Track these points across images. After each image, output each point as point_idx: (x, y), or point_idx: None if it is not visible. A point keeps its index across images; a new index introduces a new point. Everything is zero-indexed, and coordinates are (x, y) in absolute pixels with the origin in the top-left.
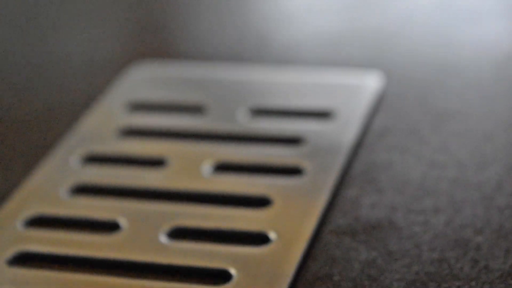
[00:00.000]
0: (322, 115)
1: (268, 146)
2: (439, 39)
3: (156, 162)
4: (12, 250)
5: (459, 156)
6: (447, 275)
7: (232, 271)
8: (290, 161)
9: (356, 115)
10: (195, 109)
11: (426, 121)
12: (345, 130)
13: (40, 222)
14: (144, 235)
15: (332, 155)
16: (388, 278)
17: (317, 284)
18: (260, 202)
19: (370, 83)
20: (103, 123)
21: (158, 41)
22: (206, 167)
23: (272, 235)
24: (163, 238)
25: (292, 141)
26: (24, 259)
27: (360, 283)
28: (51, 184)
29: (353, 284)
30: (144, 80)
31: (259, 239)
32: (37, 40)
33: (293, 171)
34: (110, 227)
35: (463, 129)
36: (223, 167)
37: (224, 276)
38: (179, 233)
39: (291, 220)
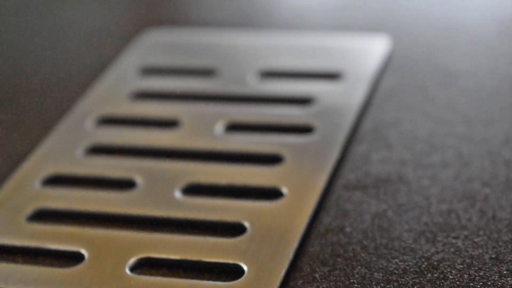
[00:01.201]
0: (331, 76)
1: (278, 106)
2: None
3: (169, 123)
4: (31, 208)
5: (466, 113)
6: (456, 225)
7: (246, 224)
8: (301, 120)
9: (364, 76)
10: (206, 73)
11: (434, 80)
12: (354, 90)
13: (57, 181)
14: (160, 192)
15: (341, 113)
16: (398, 229)
17: (329, 236)
18: (272, 159)
19: (378, 46)
20: (116, 87)
21: (168, 8)
22: (219, 127)
23: (284, 190)
24: (178, 194)
25: (302, 101)
26: (43, 216)
27: (371, 234)
28: (67, 145)
29: (364, 235)
30: (155, 46)
31: (272, 194)
32: (49, 8)
33: (303, 129)
34: (126, 184)
35: (470, 87)
36: (235, 127)
37: (239, 229)
38: (193, 190)
39: (302, 176)
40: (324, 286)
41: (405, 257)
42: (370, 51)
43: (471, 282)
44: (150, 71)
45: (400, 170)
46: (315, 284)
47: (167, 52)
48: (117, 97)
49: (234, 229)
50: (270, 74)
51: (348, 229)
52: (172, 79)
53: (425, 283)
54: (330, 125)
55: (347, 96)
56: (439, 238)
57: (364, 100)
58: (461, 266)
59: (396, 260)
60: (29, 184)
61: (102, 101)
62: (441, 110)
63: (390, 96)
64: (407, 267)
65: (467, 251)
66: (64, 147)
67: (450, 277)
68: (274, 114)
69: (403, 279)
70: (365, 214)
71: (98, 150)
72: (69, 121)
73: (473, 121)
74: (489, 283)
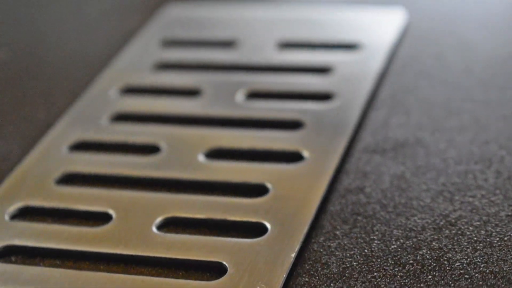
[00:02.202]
0: (349, 47)
1: (298, 76)
2: None
3: (191, 92)
4: (59, 172)
5: (483, 79)
6: (472, 185)
7: (269, 185)
8: (320, 88)
9: (382, 46)
10: (226, 44)
11: (450, 48)
12: (372, 59)
13: (83, 146)
14: (184, 156)
15: (360, 81)
16: (416, 190)
17: (349, 196)
18: (293, 125)
19: (395, 17)
20: (139, 58)
21: None
22: (240, 96)
23: (305, 153)
24: (202, 158)
25: (321, 70)
26: (71, 179)
27: (390, 194)
28: (92, 113)
29: (383, 195)
30: (177, 19)
31: (293, 157)
32: None
33: (323, 96)
34: (150, 150)
35: (486, 54)
36: (256, 95)
37: (261, 190)
38: (216, 154)
39: (323, 140)
40: (345, 242)
41: (423, 215)
42: (387, 22)
43: (488, 238)
44: (172, 43)
45: (418, 134)
46: (336, 241)
47: (188, 25)
48: (140, 68)
49: (257, 190)
50: (289, 45)
51: (367, 190)
52: (193, 50)
53: (443, 239)
54: (349, 92)
55: (365, 65)
56: (456, 198)
57: (382, 68)
58: (478, 223)
59: (415, 218)
60: (56, 150)
61: (126, 72)
62: (458, 76)
63: (408, 64)
64: (426, 224)
65: (483, 209)
66: (89, 115)
67: (468, 233)
68: (293, 83)
69: (421, 236)
70: (384, 175)
71: (122, 117)
72: (94, 91)
73: (489, 86)
74: (505, 238)
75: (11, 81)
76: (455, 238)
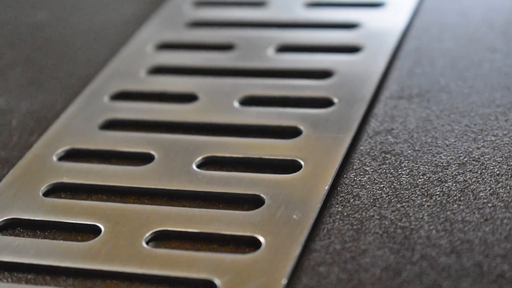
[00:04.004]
0: (375, 5)
1: (327, 31)
2: None
3: (225, 47)
4: (102, 118)
5: (504, 31)
6: (494, 126)
7: (301, 127)
8: (349, 42)
9: (407, 2)
10: (258, 4)
11: (473, 5)
12: (397, 15)
13: (124, 96)
14: (220, 103)
15: (386, 35)
16: (441, 130)
17: (378, 137)
18: (323, 74)
19: None
20: (174, 16)
21: None
22: (271, 50)
23: (335, 100)
24: (237, 105)
25: (349, 26)
26: (113, 125)
27: (416, 135)
28: (130, 66)
29: (410, 135)
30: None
31: (324, 103)
32: None
33: (352, 49)
34: (188, 98)
35: (508, 10)
36: (286, 50)
37: (294, 132)
38: (250, 101)
39: (352, 87)
40: (375, 177)
41: (448, 152)
42: None
43: (510, 171)
44: (205, 3)
45: (441, 82)
46: (366, 176)
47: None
48: (174, 26)
49: (291, 132)
50: (318, 4)
51: (395, 131)
52: (225, 9)
53: (467, 173)
54: (376, 45)
55: (391, 20)
56: (480, 137)
57: (406, 23)
58: (500, 159)
59: (440, 155)
60: (98, 99)
61: (161, 29)
62: (480, 29)
63: (431, 20)
64: (451, 161)
65: (505, 147)
66: (128, 68)
67: (490, 167)
68: (323, 37)
69: (447, 170)
70: (410, 118)
71: (159, 70)
72: (132, 47)
73: (509, 39)
74: None
75: (52, 39)
76: (479, 172)
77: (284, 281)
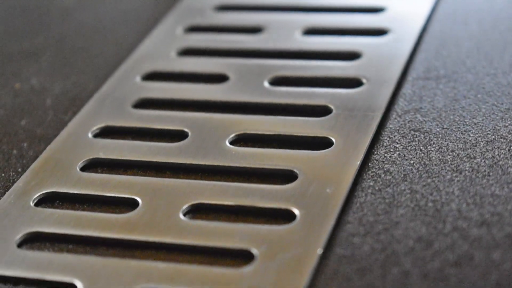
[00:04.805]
0: None
1: (354, 15)
2: None
3: (253, 30)
4: (135, 97)
5: None
6: None
7: (331, 106)
8: (376, 25)
9: None
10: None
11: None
12: (423, 0)
13: (155, 76)
14: (250, 83)
15: (413, 19)
16: (469, 109)
17: (407, 115)
18: (351, 56)
19: None
20: (202, 0)
21: None
22: (298, 33)
23: (364, 80)
24: (267, 85)
25: (376, 10)
26: (145, 104)
27: (445, 114)
28: (161, 47)
29: (438, 114)
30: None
31: (353, 83)
32: None
33: (379, 32)
34: (219, 79)
35: None
36: (315, 32)
37: (324, 111)
38: (280, 81)
39: (379, 68)
40: (405, 153)
41: (476, 130)
42: None
43: None
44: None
45: (468, 63)
46: (396, 153)
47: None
48: (203, 10)
49: (321, 111)
50: None
51: (423, 110)
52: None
53: (495, 149)
54: (403, 28)
55: (417, 5)
56: (506, 116)
57: (432, 7)
58: None
59: (468, 133)
60: (131, 79)
61: (190, 13)
62: (505, 15)
63: (457, 5)
64: (479, 138)
65: None
66: (160, 49)
67: None
68: (350, 21)
69: (475, 147)
70: (438, 98)
71: (189, 52)
72: (162, 30)
73: None
74: None
75: (82, 22)
76: (507, 149)
77: (319, 251)
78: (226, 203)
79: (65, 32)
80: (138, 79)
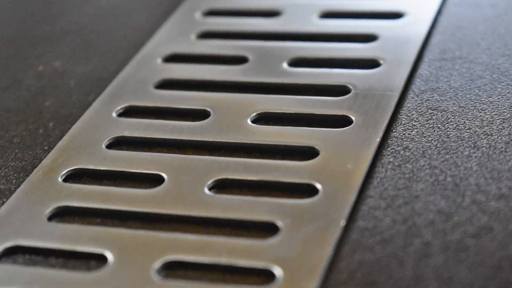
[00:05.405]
0: None
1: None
2: None
3: (271, 13)
4: (157, 78)
5: None
6: None
7: (350, 86)
8: (392, 8)
9: None
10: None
11: None
12: None
13: (176, 58)
14: (269, 65)
15: (428, 2)
16: (484, 89)
17: (424, 95)
18: (368, 38)
19: None
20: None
21: None
22: (315, 16)
23: (381, 61)
24: (286, 66)
25: None
26: (167, 85)
27: (461, 93)
28: (181, 31)
29: (455, 93)
30: None
31: (371, 64)
32: None
33: (394, 15)
34: (238, 60)
35: None
36: (331, 16)
37: (343, 91)
38: (299, 63)
39: (396, 50)
40: (423, 131)
41: (492, 108)
42: None
43: None
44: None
45: (482, 44)
46: (415, 130)
47: None
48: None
49: (340, 91)
50: None
51: (440, 90)
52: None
53: (511, 127)
54: (418, 10)
55: None
56: None
57: None
58: None
59: (485, 111)
60: (152, 61)
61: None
62: None
63: None
64: (495, 116)
65: None
66: (179, 33)
67: None
68: (366, 4)
69: (492, 125)
70: (455, 78)
71: (208, 35)
72: (180, 13)
73: None
74: None
75: (102, 7)
76: None
77: (342, 222)
78: (250, 178)
79: (85, 17)
80: (159, 61)
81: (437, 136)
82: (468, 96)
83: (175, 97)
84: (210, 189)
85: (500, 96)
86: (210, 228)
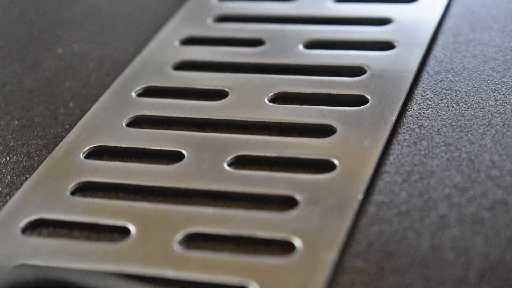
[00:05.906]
0: None
1: None
2: None
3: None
4: (175, 60)
5: None
6: None
7: (365, 67)
8: None
9: None
10: None
11: None
12: None
13: (193, 41)
14: (285, 47)
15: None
16: (498, 69)
17: (439, 76)
18: (381, 22)
19: None
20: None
21: None
22: (328, 1)
23: (395, 43)
24: (301, 49)
25: None
26: (186, 66)
27: (475, 74)
28: (198, 15)
29: (468, 74)
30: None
31: (385, 47)
32: None
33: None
34: (255, 43)
35: None
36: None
37: (359, 72)
38: (314, 45)
39: (410, 33)
40: (438, 110)
41: (506, 88)
42: None
43: None
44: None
45: (496, 27)
46: (429, 109)
47: None
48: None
49: (356, 72)
50: None
51: (454, 71)
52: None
53: None
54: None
55: None
56: None
57: None
58: None
59: (499, 91)
60: (170, 44)
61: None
62: None
63: None
64: (508, 95)
65: None
66: (195, 17)
67: None
68: None
69: (506, 104)
70: (468, 59)
71: (225, 18)
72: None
73: None
74: None
75: None
76: None
77: (360, 196)
78: (268, 154)
79: (103, 1)
80: (177, 43)
81: (452, 115)
82: (481, 77)
83: (193, 78)
84: (229, 165)
85: (502, 87)
86: (230, 202)
